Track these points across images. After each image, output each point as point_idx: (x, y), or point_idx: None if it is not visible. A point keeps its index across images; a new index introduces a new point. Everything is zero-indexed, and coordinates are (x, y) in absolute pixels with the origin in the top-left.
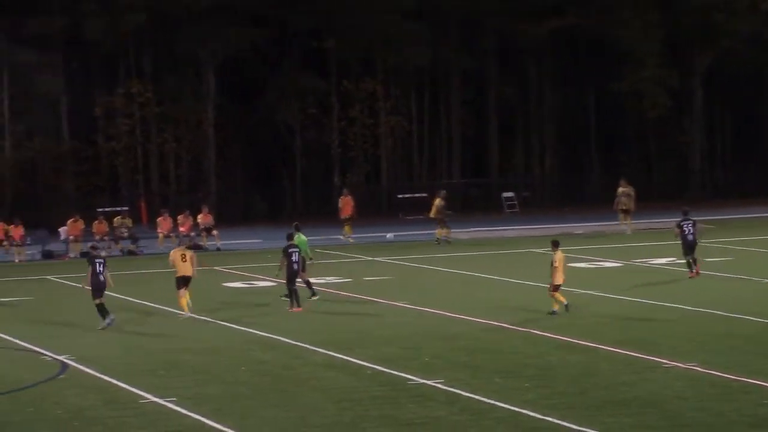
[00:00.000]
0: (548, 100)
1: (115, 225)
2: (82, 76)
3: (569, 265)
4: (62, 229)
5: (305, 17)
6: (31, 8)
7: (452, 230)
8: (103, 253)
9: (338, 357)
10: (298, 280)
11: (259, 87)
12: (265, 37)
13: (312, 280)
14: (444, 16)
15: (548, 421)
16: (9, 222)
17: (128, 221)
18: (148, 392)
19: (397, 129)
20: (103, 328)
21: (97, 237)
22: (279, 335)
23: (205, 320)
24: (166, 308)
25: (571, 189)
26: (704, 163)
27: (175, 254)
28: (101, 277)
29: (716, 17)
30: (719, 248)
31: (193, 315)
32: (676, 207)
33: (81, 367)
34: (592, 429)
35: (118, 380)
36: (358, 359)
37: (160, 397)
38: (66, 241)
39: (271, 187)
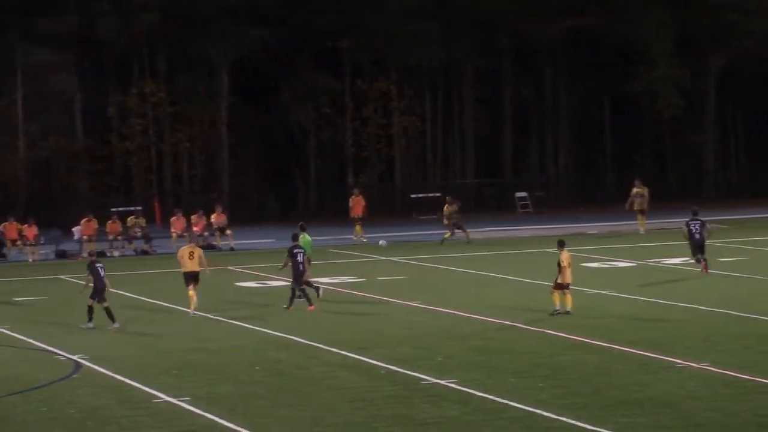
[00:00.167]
0: (563, 99)
1: (128, 225)
2: (95, 75)
3: (582, 265)
4: (76, 229)
5: (319, 17)
6: (44, 8)
7: (469, 231)
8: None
9: (352, 357)
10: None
11: (273, 87)
12: (279, 37)
13: (325, 279)
14: (458, 16)
15: (562, 421)
16: (23, 221)
17: (142, 221)
18: (161, 392)
19: (411, 129)
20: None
21: (111, 237)
22: (293, 335)
23: (218, 320)
24: (180, 308)
25: (585, 189)
26: (717, 163)
27: (183, 251)
28: (105, 281)
29: (729, 17)
30: (733, 248)
31: (197, 313)
32: (690, 207)
33: (94, 367)
34: (606, 429)
35: (131, 380)
36: (371, 359)
37: (174, 397)
38: (80, 241)
39: (284, 186)
